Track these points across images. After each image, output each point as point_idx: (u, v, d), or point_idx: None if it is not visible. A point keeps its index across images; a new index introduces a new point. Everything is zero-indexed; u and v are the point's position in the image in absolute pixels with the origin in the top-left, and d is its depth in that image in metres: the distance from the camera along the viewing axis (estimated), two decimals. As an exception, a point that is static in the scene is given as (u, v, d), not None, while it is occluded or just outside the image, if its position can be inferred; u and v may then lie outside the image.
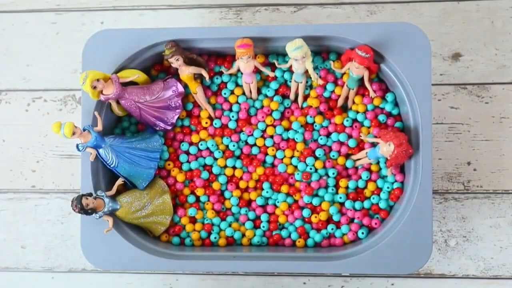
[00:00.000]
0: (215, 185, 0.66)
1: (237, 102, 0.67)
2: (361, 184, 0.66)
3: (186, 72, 0.64)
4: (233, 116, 0.67)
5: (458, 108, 0.74)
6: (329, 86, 0.66)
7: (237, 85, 0.67)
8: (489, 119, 0.74)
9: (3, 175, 0.77)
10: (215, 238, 0.66)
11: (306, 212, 0.65)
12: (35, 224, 0.76)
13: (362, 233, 0.65)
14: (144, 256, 0.62)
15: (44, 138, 0.77)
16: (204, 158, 0.67)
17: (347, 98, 0.66)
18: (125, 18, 0.77)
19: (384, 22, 0.75)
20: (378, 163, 0.66)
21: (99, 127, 0.63)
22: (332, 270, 0.61)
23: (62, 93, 0.77)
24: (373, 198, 0.66)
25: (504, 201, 0.73)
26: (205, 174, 0.66)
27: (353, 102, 0.66)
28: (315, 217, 0.66)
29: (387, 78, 0.64)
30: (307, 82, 0.66)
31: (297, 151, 0.66)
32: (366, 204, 0.66)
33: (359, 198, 0.66)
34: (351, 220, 0.66)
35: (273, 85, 0.67)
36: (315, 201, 0.66)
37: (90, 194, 0.61)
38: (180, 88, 0.65)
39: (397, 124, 0.66)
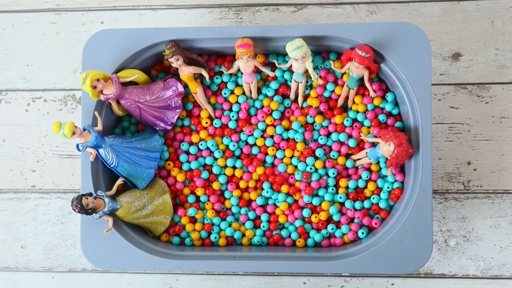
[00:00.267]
0: (215, 185, 0.66)
1: (237, 102, 0.67)
2: (361, 184, 0.66)
3: (186, 72, 0.64)
4: (233, 116, 0.67)
5: (458, 108, 0.74)
6: (329, 86, 0.66)
7: (237, 85, 0.67)
8: (489, 119, 0.74)
9: (3, 175, 0.77)
10: (215, 238, 0.66)
11: (306, 212, 0.65)
12: (35, 224, 0.76)
13: (362, 233, 0.65)
14: (144, 256, 0.62)
15: (44, 138, 0.77)
16: (204, 158, 0.67)
17: (347, 98, 0.66)
18: (125, 18, 0.77)
19: (384, 22, 0.75)
20: (378, 163, 0.66)
21: (99, 127, 0.63)
22: (332, 270, 0.61)
23: (62, 93, 0.77)
24: (373, 198, 0.66)
25: (504, 201, 0.73)
26: (205, 174, 0.66)
27: (353, 102, 0.66)
28: (315, 217, 0.66)
29: (387, 78, 0.64)
30: (307, 82, 0.66)
31: (297, 151, 0.66)
32: (366, 204, 0.66)
33: (359, 198, 0.66)
34: (351, 220, 0.66)
35: (273, 85, 0.67)
36: (315, 201, 0.66)
37: (90, 194, 0.61)
38: (180, 88, 0.65)
39: (397, 124, 0.66)
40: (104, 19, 0.77)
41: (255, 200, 0.67)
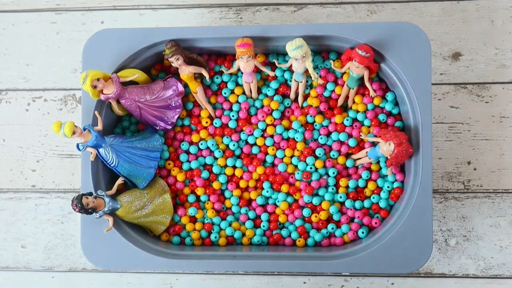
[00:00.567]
0: (215, 185, 0.66)
1: (237, 102, 0.67)
2: (361, 183, 0.66)
3: (186, 71, 0.64)
4: (233, 116, 0.67)
5: (458, 107, 0.74)
6: (329, 86, 0.66)
7: (237, 84, 0.67)
8: (489, 118, 0.74)
9: (3, 174, 0.77)
10: (215, 237, 0.66)
11: (306, 212, 0.65)
12: (35, 223, 0.76)
13: (362, 232, 0.65)
14: (144, 256, 0.62)
15: (44, 138, 0.77)
16: (204, 157, 0.67)
17: (347, 97, 0.66)
18: (125, 17, 0.77)
19: (384, 21, 0.75)
20: (378, 162, 0.66)
21: (99, 126, 0.63)
22: (332, 270, 0.61)
23: (62, 92, 0.77)
24: (373, 198, 0.66)
25: (504, 201, 0.73)
26: (205, 174, 0.66)
27: (353, 102, 0.66)
28: (315, 216, 0.66)
29: (387, 77, 0.64)
30: (307, 81, 0.66)
31: (297, 150, 0.66)
32: (366, 203, 0.66)
33: (359, 198, 0.66)
34: (351, 220, 0.66)
35: (273, 84, 0.67)
36: (315, 201, 0.66)
37: (90, 194, 0.61)
38: (180, 88, 0.65)
39: (397, 124, 0.66)
40: (104, 19, 0.77)
41: (255, 200, 0.67)
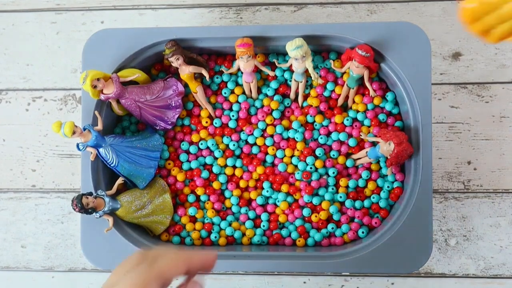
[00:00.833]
0: (215, 185, 0.66)
1: (237, 102, 0.67)
2: (361, 183, 0.66)
3: (186, 71, 0.64)
4: (233, 116, 0.67)
5: (458, 107, 0.74)
6: (329, 85, 0.66)
7: (237, 84, 0.67)
8: (489, 118, 0.74)
9: (3, 174, 0.77)
10: (215, 237, 0.66)
11: (306, 211, 0.65)
12: (35, 223, 0.76)
13: (362, 232, 0.65)
14: (144, 256, 0.62)
15: (44, 138, 0.77)
16: (204, 157, 0.67)
17: (347, 97, 0.66)
18: (125, 17, 0.77)
19: (384, 21, 0.75)
20: (378, 162, 0.66)
21: (99, 126, 0.63)
22: (332, 269, 0.61)
23: (62, 92, 0.77)
24: (373, 197, 0.66)
25: (504, 201, 0.73)
26: (205, 174, 0.66)
27: (353, 101, 0.66)
28: (315, 216, 0.66)
29: (387, 77, 0.64)
30: (307, 81, 0.66)
31: (297, 150, 0.66)
32: (366, 203, 0.66)
33: (359, 197, 0.66)
34: (351, 219, 0.66)
35: (273, 84, 0.67)
36: (315, 200, 0.66)
37: (90, 194, 0.61)
38: (180, 88, 0.65)
39: (397, 123, 0.66)
40: (104, 19, 0.77)
41: (255, 200, 0.67)
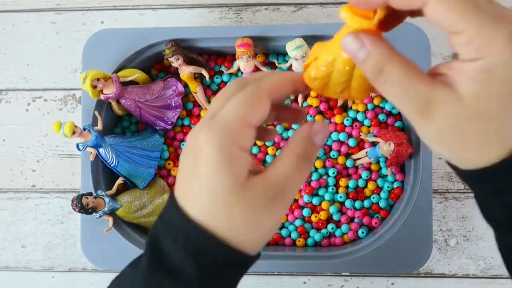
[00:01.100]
0: (215, 185, 0.66)
1: (237, 102, 0.67)
2: (361, 183, 0.66)
3: (186, 71, 0.64)
4: (233, 116, 0.67)
5: (458, 107, 0.74)
6: (329, 86, 0.66)
7: (237, 84, 0.67)
8: (489, 118, 0.74)
9: (3, 174, 0.77)
10: (215, 237, 0.66)
11: (306, 212, 0.65)
12: (35, 223, 0.76)
13: (362, 232, 0.65)
14: (144, 256, 0.62)
15: (44, 138, 0.77)
16: (204, 157, 0.67)
17: (347, 97, 0.66)
18: (125, 17, 0.77)
19: (384, 21, 0.75)
20: (378, 162, 0.66)
21: (99, 126, 0.63)
22: (332, 270, 0.61)
23: (62, 92, 0.77)
24: (373, 198, 0.66)
25: (504, 201, 0.73)
26: (205, 174, 0.66)
27: (353, 102, 0.66)
28: (315, 216, 0.66)
29: (387, 77, 0.64)
30: (307, 81, 0.66)
31: (297, 150, 0.66)
32: (366, 203, 0.66)
33: (359, 198, 0.66)
34: (351, 220, 0.66)
35: (273, 84, 0.66)
36: (315, 201, 0.66)
37: (90, 194, 0.61)
38: (180, 88, 0.65)
39: (397, 124, 0.66)
40: (104, 19, 0.77)
41: (255, 200, 0.66)
